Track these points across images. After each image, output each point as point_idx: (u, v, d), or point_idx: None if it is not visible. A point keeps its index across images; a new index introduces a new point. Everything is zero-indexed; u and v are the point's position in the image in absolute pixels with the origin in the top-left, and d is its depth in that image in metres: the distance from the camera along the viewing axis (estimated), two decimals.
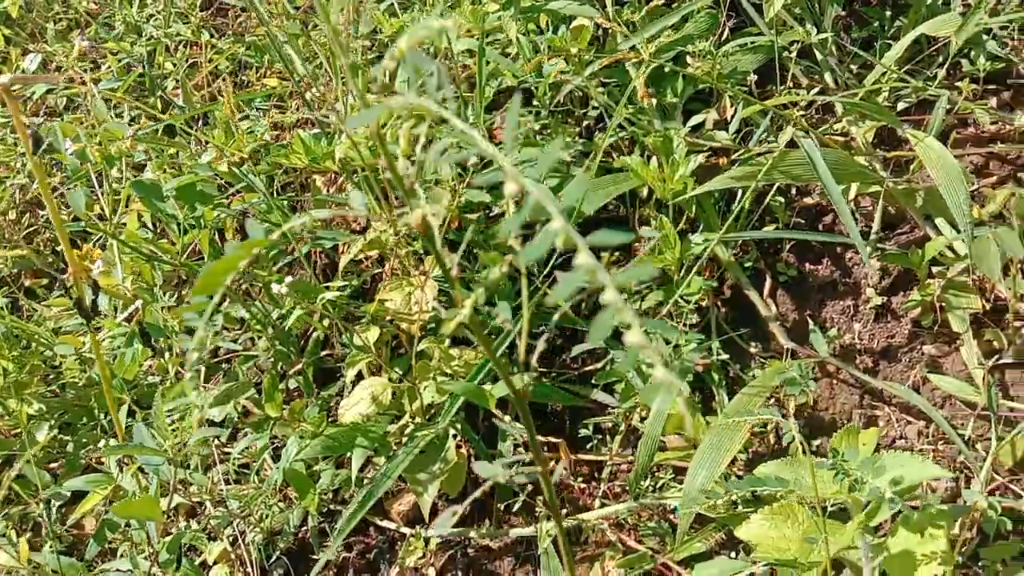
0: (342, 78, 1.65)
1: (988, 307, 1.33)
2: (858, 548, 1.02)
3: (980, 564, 1.18)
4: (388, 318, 1.43)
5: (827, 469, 0.91)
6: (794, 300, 1.49)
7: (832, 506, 1.05)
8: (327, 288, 1.43)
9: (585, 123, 1.65)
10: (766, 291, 1.50)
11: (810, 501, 1.07)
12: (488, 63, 1.65)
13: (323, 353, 1.64)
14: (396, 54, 0.47)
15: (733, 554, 1.24)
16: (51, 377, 1.76)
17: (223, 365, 1.79)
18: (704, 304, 1.52)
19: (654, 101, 1.54)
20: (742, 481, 0.95)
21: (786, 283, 1.51)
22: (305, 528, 1.51)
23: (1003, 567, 1.17)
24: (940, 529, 0.96)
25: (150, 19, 2.30)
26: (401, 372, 1.45)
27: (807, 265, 1.51)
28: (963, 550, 1.20)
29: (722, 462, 1.17)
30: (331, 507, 1.50)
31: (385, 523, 1.49)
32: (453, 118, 0.45)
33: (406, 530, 1.46)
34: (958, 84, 1.38)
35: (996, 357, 1.30)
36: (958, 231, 1.27)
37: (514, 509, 1.39)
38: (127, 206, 1.57)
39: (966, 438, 1.25)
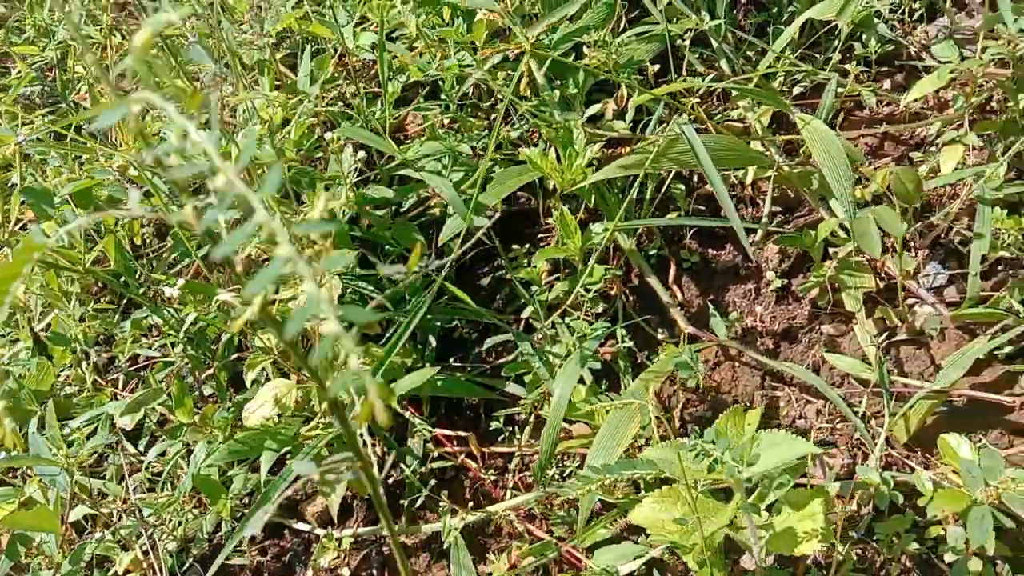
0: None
1: (882, 286, 1.36)
2: (746, 528, 1.04)
3: (875, 538, 1.21)
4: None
5: (690, 451, 0.92)
6: (698, 286, 1.51)
7: (722, 487, 1.07)
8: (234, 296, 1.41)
9: (493, 116, 1.65)
10: (671, 278, 1.52)
11: (701, 483, 1.09)
12: (394, 58, 1.65)
13: (236, 356, 1.62)
14: (134, 51, 0.46)
15: (636, 539, 1.25)
16: None
17: (142, 372, 1.76)
18: (612, 293, 1.53)
19: (556, 93, 1.55)
20: (615, 465, 0.96)
21: (690, 269, 1.53)
22: (219, 534, 1.50)
23: (896, 540, 1.19)
24: (819, 506, 0.97)
25: (60, 22, 2.25)
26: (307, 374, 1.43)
27: (710, 251, 1.53)
28: (858, 526, 1.22)
29: (619, 447, 1.18)
30: (245, 511, 1.48)
31: (299, 525, 1.48)
32: (172, 112, 0.45)
33: (320, 531, 1.45)
34: (846, 67, 1.41)
35: (887, 334, 1.33)
36: None
37: (417, 504, 1.39)
38: (21, 216, 1.54)
39: (861, 415, 1.28)
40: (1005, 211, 1.21)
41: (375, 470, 1.43)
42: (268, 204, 1.25)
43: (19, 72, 2.16)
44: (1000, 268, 1.32)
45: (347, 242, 1.43)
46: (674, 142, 1.27)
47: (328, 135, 1.33)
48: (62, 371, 1.70)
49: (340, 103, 1.71)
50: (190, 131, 0.45)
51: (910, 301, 1.35)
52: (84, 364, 1.70)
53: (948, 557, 1.15)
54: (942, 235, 1.36)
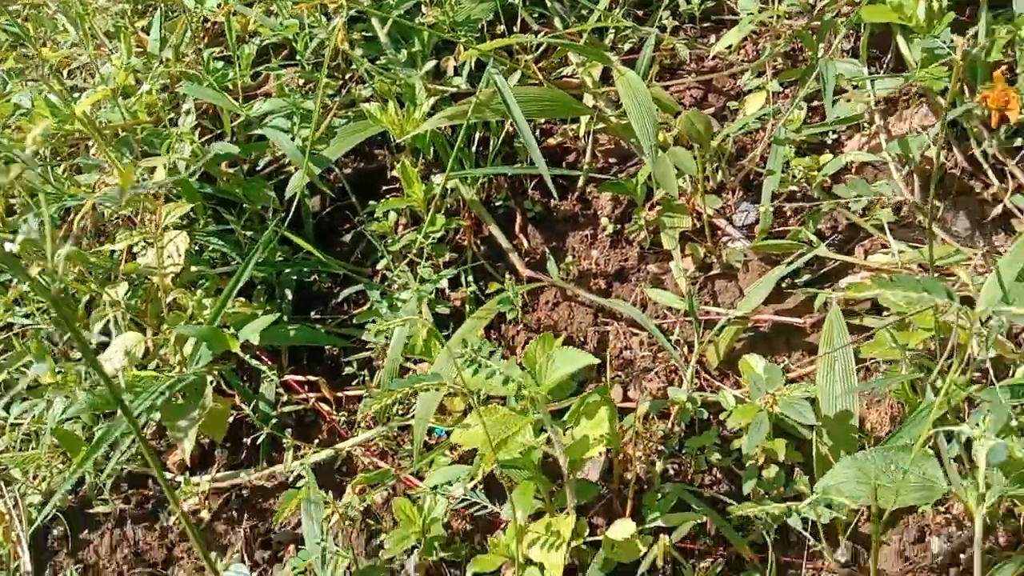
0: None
1: (699, 225, 1.47)
2: (551, 440, 1.13)
3: (684, 452, 1.32)
4: (142, 275, 1.47)
5: (470, 366, 1.01)
6: (542, 234, 1.60)
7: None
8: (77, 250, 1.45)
9: (348, 75, 1.70)
10: (517, 227, 1.60)
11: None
12: (248, 22, 1.69)
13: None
14: None
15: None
16: None
17: (12, 340, 1.78)
18: (464, 244, 1.61)
19: (404, 53, 1.61)
20: (407, 379, 1.04)
21: (535, 219, 1.61)
22: (83, 487, 1.54)
23: (700, 453, 1.30)
24: (605, 414, 1.07)
25: None
26: (162, 327, 1.48)
27: (552, 201, 1.62)
28: (672, 442, 1.33)
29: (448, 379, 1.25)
30: (104, 465, 1.52)
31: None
32: None
33: (180, 479, 1.50)
34: (664, 22, 1.50)
35: (701, 269, 1.44)
36: None
37: (259, 442, 1.45)
38: None
39: (675, 342, 1.39)
40: (794, 150, 1.32)
41: (227, 420, 1.49)
42: (112, 162, 1.29)
43: None
44: (800, 204, 1.43)
45: (194, 197, 1.47)
46: (495, 94, 1.35)
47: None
48: None
49: (199, 67, 1.74)
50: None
51: (724, 239, 1.46)
52: None
53: (747, 465, 1.27)
54: (752, 176, 1.48)
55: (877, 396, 1.31)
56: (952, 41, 1.18)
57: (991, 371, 1.02)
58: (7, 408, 1.65)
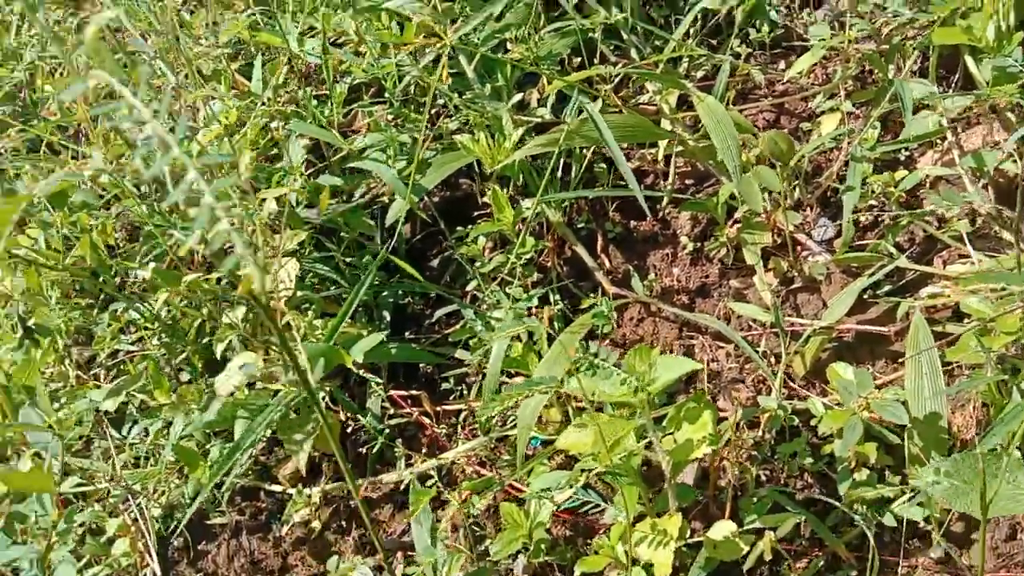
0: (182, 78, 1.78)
1: (779, 241, 1.54)
2: (651, 442, 1.21)
3: (776, 458, 1.38)
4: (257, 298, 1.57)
5: (608, 375, 1.09)
6: (623, 253, 1.68)
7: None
8: (200, 277, 1.57)
9: (434, 111, 1.81)
10: (599, 247, 1.69)
11: (619, 408, 1.26)
12: (341, 62, 1.81)
13: (207, 341, 1.76)
14: (87, 42, 0.62)
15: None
16: None
17: (121, 367, 1.90)
18: (548, 265, 1.70)
19: (488, 87, 1.72)
20: (523, 383, 1.12)
21: (615, 239, 1.70)
22: (200, 499, 1.64)
23: (792, 458, 1.37)
24: (708, 416, 1.15)
25: (27, 45, 2.39)
26: (275, 347, 1.59)
27: (632, 222, 1.70)
28: (763, 449, 1.40)
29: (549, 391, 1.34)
30: (223, 479, 1.63)
31: (273, 487, 1.63)
32: (126, 92, 0.61)
33: (292, 491, 1.60)
34: (739, 50, 1.59)
35: (784, 283, 1.51)
36: None
37: (377, 457, 1.55)
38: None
39: (762, 353, 1.45)
40: (871, 167, 1.39)
41: (337, 431, 1.59)
42: (228, 194, 1.41)
43: None
44: (878, 218, 1.50)
45: (300, 225, 1.58)
46: (585, 122, 1.44)
47: (274, 124, 1.49)
48: (45, 369, 1.84)
49: (293, 105, 1.87)
50: (135, 103, 0.60)
51: (804, 254, 1.53)
52: (67, 361, 1.84)
53: (839, 468, 1.32)
54: (830, 193, 1.54)
55: (961, 400, 1.37)
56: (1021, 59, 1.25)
57: None
58: (117, 426, 1.78)
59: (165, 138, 0.57)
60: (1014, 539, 1.25)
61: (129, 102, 0.57)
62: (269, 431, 1.58)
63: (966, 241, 1.34)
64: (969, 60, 1.45)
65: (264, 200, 1.60)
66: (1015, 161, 1.43)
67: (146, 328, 1.79)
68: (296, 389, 1.49)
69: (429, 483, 1.40)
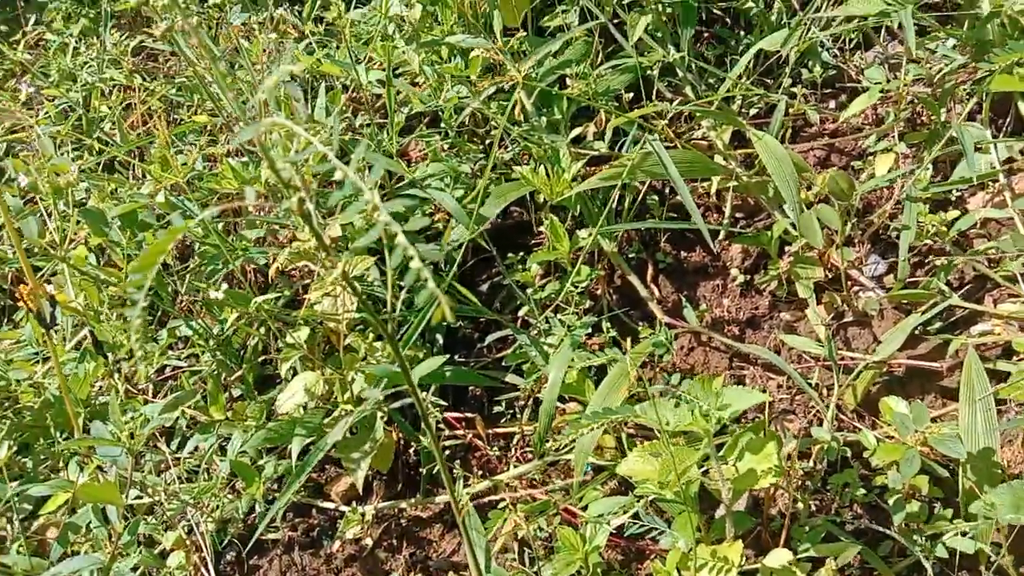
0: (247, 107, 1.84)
1: (830, 276, 1.57)
2: (713, 470, 1.24)
3: (827, 488, 1.41)
4: (318, 320, 1.62)
5: (672, 404, 1.12)
6: (673, 283, 1.72)
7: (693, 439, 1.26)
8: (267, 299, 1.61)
9: (488, 141, 1.86)
10: (649, 277, 1.73)
11: (674, 436, 1.29)
12: (398, 92, 1.86)
13: (262, 359, 1.81)
14: (266, 88, 0.67)
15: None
16: (6, 404, 1.89)
17: (170, 382, 1.94)
18: (598, 292, 1.73)
19: (544, 119, 1.76)
20: (601, 411, 1.15)
21: (665, 269, 1.74)
22: (253, 515, 1.67)
23: (844, 489, 1.39)
24: (773, 448, 1.17)
25: (84, 66, 2.46)
26: (333, 368, 1.63)
27: (682, 253, 1.74)
28: (815, 479, 1.42)
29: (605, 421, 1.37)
30: (276, 495, 1.66)
31: (326, 504, 1.66)
32: (300, 130, 0.65)
33: (345, 508, 1.63)
34: (793, 90, 1.63)
35: (835, 317, 1.54)
36: None
37: (432, 478, 1.57)
38: (74, 235, 1.73)
39: (814, 386, 1.48)
40: (927, 207, 1.43)
41: (393, 453, 1.62)
42: (311, 213, 1.45)
43: (47, 113, 2.36)
44: (930, 256, 1.54)
45: (363, 251, 1.62)
46: (646, 157, 1.48)
47: (349, 158, 1.54)
48: (95, 383, 1.89)
49: (350, 133, 1.92)
50: (314, 142, 0.65)
51: (855, 289, 1.56)
52: (115, 375, 1.88)
53: (891, 500, 1.35)
54: (881, 231, 1.58)
55: (1010, 435, 1.39)
56: None
57: None
58: (168, 442, 1.81)
59: (359, 184, 0.61)
60: None
61: (316, 148, 0.62)
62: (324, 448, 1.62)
63: (1019, 280, 1.37)
64: (1022, 105, 1.49)
65: (326, 225, 1.65)
66: None
67: (199, 345, 1.83)
68: (356, 408, 1.53)
69: (501, 505, 1.43)
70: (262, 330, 1.75)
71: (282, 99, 1.97)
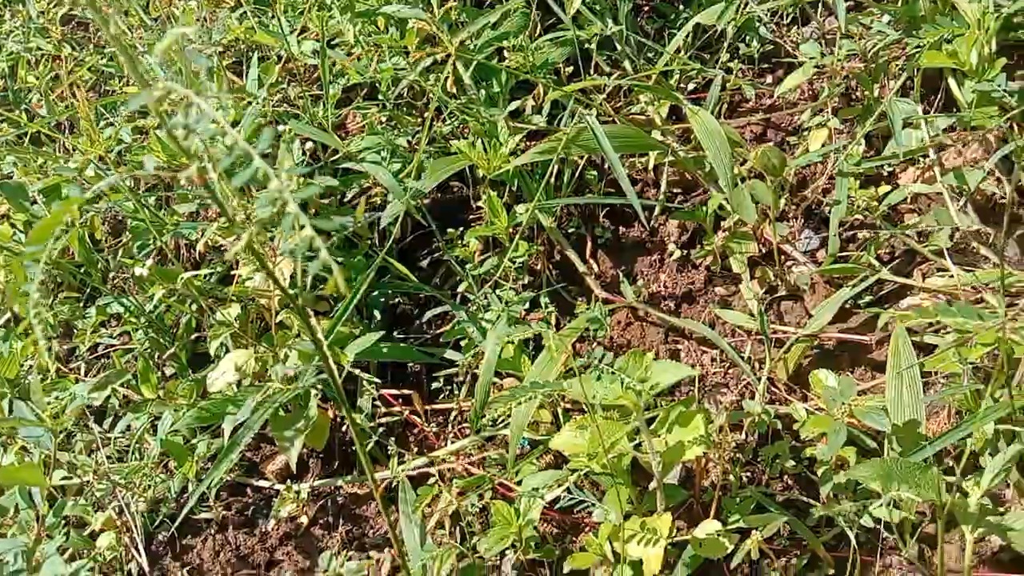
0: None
1: (764, 251, 1.59)
2: (645, 444, 1.24)
3: (758, 460, 1.43)
4: (249, 297, 1.58)
5: (602, 378, 1.12)
6: (611, 259, 1.72)
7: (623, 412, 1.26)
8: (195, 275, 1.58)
9: (426, 113, 1.84)
10: (588, 252, 1.72)
11: (610, 410, 1.29)
12: (334, 64, 1.82)
13: (196, 337, 1.77)
14: (160, 50, 0.64)
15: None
16: None
17: (102, 360, 1.89)
18: (538, 268, 1.73)
19: (483, 93, 1.74)
20: (528, 385, 1.15)
21: (604, 244, 1.73)
22: (186, 495, 1.64)
23: (774, 461, 1.41)
24: (700, 421, 1.18)
25: (9, 35, 2.36)
26: (266, 345, 1.60)
27: (621, 228, 1.74)
28: (746, 451, 1.44)
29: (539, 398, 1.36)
30: (210, 474, 1.63)
31: (260, 483, 1.64)
32: (196, 98, 0.63)
33: (280, 487, 1.61)
34: (730, 64, 1.63)
35: (768, 291, 1.55)
36: None
37: (354, 452, 1.56)
38: None
39: (747, 359, 1.50)
40: (859, 182, 1.44)
41: (328, 430, 1.60)
42: (229, 194, 1.41)
43: None
44: (862, 231, 1.55)
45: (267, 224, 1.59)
46: (582, 131, 1.47)
47: (280, 127, 1.50)
48: (24, 361, 1.83)
49: (285, 104, 1.88)
50: (203, 106, 0.62)
51: (788, 263, 1.58)
52: (48, 353, 1.82)
53: (820, 471, 1.37)
54: (814, 206, 1.60)
55: (936, 408, 1.42)
56: (1005, 84, 1.31)
57: None
58: (99, 422, 1.77)
59: (248, 150, 0.59)
60: (983, 540, 1.31)
61: (207, 113, 0.59)
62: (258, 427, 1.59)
63: (946, 256, 1.40)
64: (952, 82, 1.50)
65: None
66: (999, 181, 1.49)
67: (131, 323, 1.79)
68: (288, 386, 1.50)
69: (431, 481, 1.42)
70: (194, 307, 1.71)
71: (216, 70, 1.91)
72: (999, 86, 1.30)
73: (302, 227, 0.56)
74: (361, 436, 1.55)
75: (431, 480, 1.41)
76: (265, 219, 0.66)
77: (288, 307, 1.66)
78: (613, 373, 1.06)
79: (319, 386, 1.56)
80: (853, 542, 1.21)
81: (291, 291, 0.80)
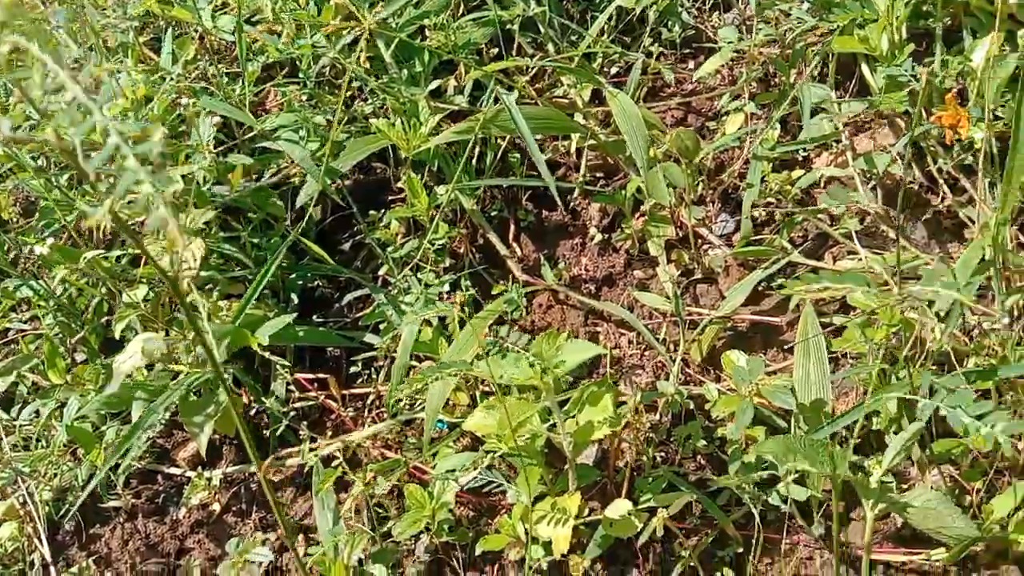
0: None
1: (681, 234, 1.59)
2: (555, 424, 1.24)
3: (672, 440, 1.43)
4: (158, 278, 1.54)
5: (512, 360, 1.11)
6: (534, 242, 1.71)
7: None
8: (101, 254, 1.52)
9: (349, 93, 1.80)
10: (511, 236, 1.71)
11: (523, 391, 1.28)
12: (255, 41, 1.78)
13: (106, 320, 1.71)
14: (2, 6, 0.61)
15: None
16: None
17: (12, 346, 1.83)
18: (461, 251, 1.71)
19: (405, 72, 1.72)
20: (435, 366, 1.14)
21: (527, 227, 1.73)
22: (94, 482, 1.59)
23: (687, 441, 1.42)
24: (609, 400, 1.18)
25: None
26: (178, 328, 1.55)
27: (544, 212, 1.73)
28: (660, 432, 1.45)
29: (458, 375, 1.35)
30: (119, 461, 1.58)
31: (172, 470, 1.60)
32: (46, 57, 0.59)
33: (191, 474, 1.57)
34: (651, 48, 1.64)
35: (685, 274, 1.56)
36: None
37: (280, 439, 1.53)
38: None
39: (662, 340, 1.50)
40: (772, 166, 1.46)
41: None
42: (150, 160, 1.38)
43: None
44: (777, 215, 1.57)
45: (207, 204, 1.55)
46: (500, 112, 1.46)
47: (184, 100, 1.46)
48: None
49: (203, 82, 1.83)
50: (55, 68, 0.59)
51: (705, 247, 1.59)
52: None
53: (730, 450, 1.38)
54: (731, 190, 1.61)
55: (846, 387, 1.44)
56: (913, 69, 1.33)
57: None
58: (7, 409, 1.71)
59: (87, 103, 0.56)
60: (888, 516, 1.33)
61: (49, 67, 0.56)
62: (168, 413, 1.55)
63: (854, 238, 1.42)
64: (865, 68, 1.53)
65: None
66: (910, 165, 1.52)
67: (40, 306, 1.73)
68: (198, 370, 1.47)
69: (334, 464, 1.40)
70: (104, 290, 1.66)
71: (131, 44, 1.86)
72: (906, 71, 1.32)
73: (124, 158, 0.53)
74: (239, 422, 1.53)
75: (335, 463, 1.39)
76: (129, 186, 0.63)
77: (200, 288, 1.62)
78: (520, 353, 1.05)
79: (230, 370, 1.53)
80: (757, 519, 1.22)
81: (167, 269, 0.77)
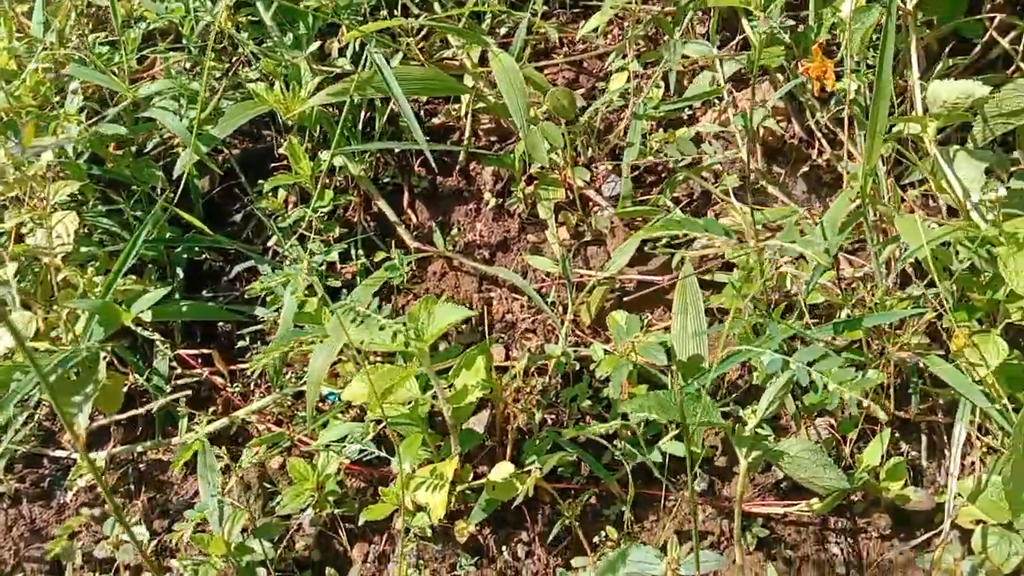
0: None
1: (571, 197, 1.58)
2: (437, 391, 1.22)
3: (559, 402, 1.43)
4: (31, 255, 1.48)
5: (377, 325, 1.09)
6: (429, 208, 1.69)
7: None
8: None
9: (235, 59, 1.75)
10: (405, 203, 1.68)
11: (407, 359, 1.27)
12: (137, 6, 1.71)
13: None
14: None
15: None
16: None
17: None
18: (354, 220, 1.68)
19: (290, 36, 1.67)
20: (292, 331, 1.11)
21: (422, 194, 1.70)
22: None
23: (573, 402, 1.42)
24: (482, 361, 1.17)
25: None
26: (57, 305, 1.50)
27: (438, 178, 1.70)
28: (549, 394, 1.44)
29: (338, 346, 1.33)
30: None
31: (57, 453, 1.56)
32: None
33: (77, 456, 1.53)
34: (535, 8, 1.61)
35: (575, 237, 1.55)
36: None
37: (154, 417, 1.49)
38: None
39: (552, 303, 1.50)
40: (656, 124, 1.45)
41: (121, 394, 1.52)
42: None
43: None
44: (664, 174, 1.57)
45: (81, 176, 1.50)
46: (375, 72, 1.42)
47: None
48: None
49: (85, 51, 1.76)
50: None
51: (595, 208, 1.58)
52: None
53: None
54: (618, 151, 1.60)
55: (732, 346, 1.45)
56: (785, 23, 1.32)
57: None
58: None
59: None
60: (769, 470, 1.35)
61: None
62: (46, 394, 1.51)
63: (731, 195, 1.42)
64: (745, 23, 1.52)
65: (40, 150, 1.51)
66: (788, 120, 1.52)
67: None
68: (74, 349, 1.42)
69: (190, 440, 1.37)
70: None
71: (5, 12, 1.77)
72: (778, 24, 1.32)
73: None
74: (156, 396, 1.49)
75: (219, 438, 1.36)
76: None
77: (82, 265, 1.57)
78: (378, 320, 1.03)
79: (110, 348, 1.49)
80: (629, 476, 1.23)
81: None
